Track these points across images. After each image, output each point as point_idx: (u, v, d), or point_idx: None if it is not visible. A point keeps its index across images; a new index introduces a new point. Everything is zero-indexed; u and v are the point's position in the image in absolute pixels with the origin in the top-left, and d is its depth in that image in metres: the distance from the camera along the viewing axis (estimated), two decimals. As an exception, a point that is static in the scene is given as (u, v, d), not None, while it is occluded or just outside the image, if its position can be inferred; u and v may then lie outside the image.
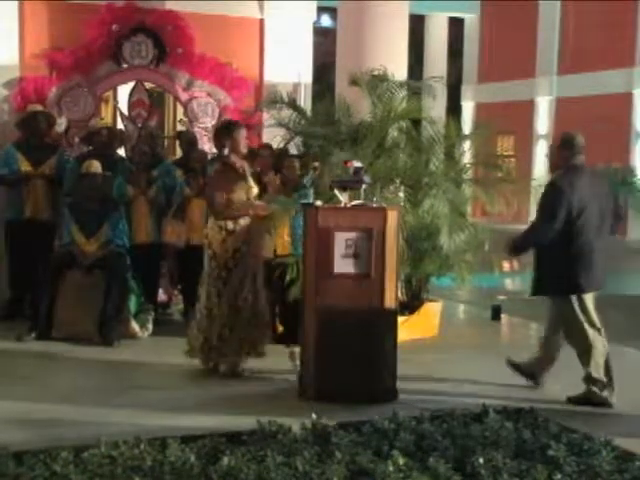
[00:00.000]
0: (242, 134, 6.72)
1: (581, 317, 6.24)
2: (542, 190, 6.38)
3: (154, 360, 6.98)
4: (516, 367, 6.63)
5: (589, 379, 6.22)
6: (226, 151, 6.65)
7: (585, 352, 6.24)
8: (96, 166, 7.96)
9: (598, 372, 6.21)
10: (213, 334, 6.61)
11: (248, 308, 6.65)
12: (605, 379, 6.24)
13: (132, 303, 7.96)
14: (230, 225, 6.59)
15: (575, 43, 22.02)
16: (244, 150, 6.76)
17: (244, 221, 6.67)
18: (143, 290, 8.17)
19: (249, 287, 6.66)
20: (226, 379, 6.56)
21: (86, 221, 7.91)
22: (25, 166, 8.53)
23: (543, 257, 6.31)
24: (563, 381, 6.79)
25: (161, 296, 8.87)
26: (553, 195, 6.17)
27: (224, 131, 6.77)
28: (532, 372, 6.59)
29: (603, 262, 6.39)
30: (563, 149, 6.35)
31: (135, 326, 7.90)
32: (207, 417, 5.53)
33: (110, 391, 6.23)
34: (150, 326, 8.00)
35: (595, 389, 6.20)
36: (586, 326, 6.24)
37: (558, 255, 6.17)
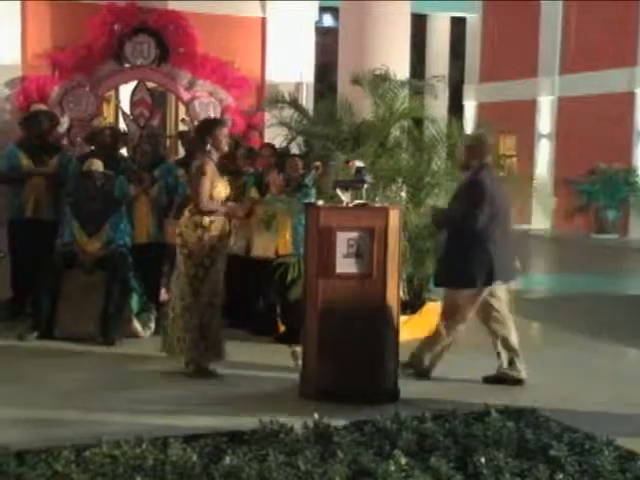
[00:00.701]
0: (223, 132, 6.72)
1: (469, 308, 6.56)
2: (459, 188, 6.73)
3: (156, 359, 6.97)
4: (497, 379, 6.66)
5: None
6: (208, 147, 6.65)
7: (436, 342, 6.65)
8: (98, 165, 7.97)
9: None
10: (188, 333, 6.60)
11: (220, 307, 6.68)
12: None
13: (134, 302, 7.97)
14: (206, 222, 6.57)
15: (577, 42, 21.99)
16: (225, 148, 6.76)
17: (219, 219, 6.65)
18: (145, 289, 8.17)
19: (222, 285, 6.68)
20: (227, 378, 6.56)
21: (88, 220, 7.91)
22: (27, 165, 8.54)
23: (453, 249, 6.54)
24: (563, 380, 6.80)
25: (163, 295, 8.87)
26: (478, 190, 6.38)
27: (205, 128, 6.77)
28: (502, 374, 6.71)
29: (512, 256, 6.75)
30: (475, 149, 6.62)
31: (137, 325, 7.91)
32: (209, 416, 5.53)
33: (112, 390, 6.23)
34: (152, 325, 8.01)
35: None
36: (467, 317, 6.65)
37: (468, 248, 6.41)
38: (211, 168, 6.60)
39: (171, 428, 5.15)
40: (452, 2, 24.27)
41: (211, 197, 6.60)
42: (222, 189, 6.71)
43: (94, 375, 6.66)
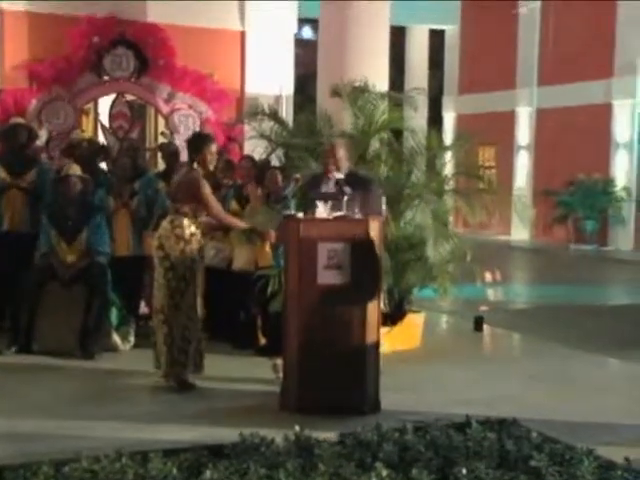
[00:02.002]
0: (211, 149, 6.73)
1: None
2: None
3: (136, 373, 6.94)
4: None
5: None
6: (194, 165, 6.69)
7: None
8: (75, 169, 7.90)
9: None
10: (166, 347, 6.58)
11: (199, 320, 6.68)
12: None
13: (113, 315, 7.92)
14: (187, 234, 6.55)
15: (555, 54, 22.15)
16: (211, 165, 6.76)
17: (198, 231, 6.66)
18: (125, 303, 8.13)
19: (201, 298, 6.69)
20: (208, 392, 6.53)
21: (65, 226, 7.80)
22: (4, 178, 8.48)
23: None
24: (544, 391, 6.82)
25: (143, 308, 8.83)
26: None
27: (192, 144, 6.82)
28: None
29: None
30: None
31: (117, 339, 7.86)
32: (189, 430, 5.50)
33: (91, 404, 6.19)
34: (132, 338, 7.97)
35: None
36: None
37: None
38: (205, 181, 6.63)
39: (151, 442, 5.11)
40: (430, 14, 24.39)
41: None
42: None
43: (73, 389, 6.62)
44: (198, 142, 6.82)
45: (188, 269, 6.56)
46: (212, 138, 7.02)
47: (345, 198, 6.25)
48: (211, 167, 6.79)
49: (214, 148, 6.78)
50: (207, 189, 6.62)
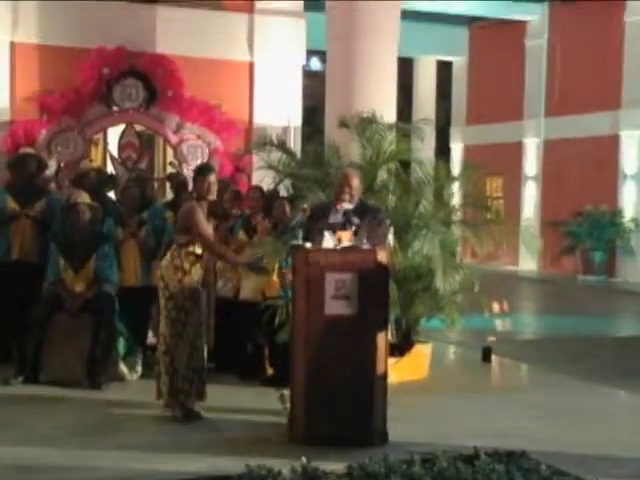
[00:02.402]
0: (208, 179, 6.77)
1: None
2: None
3: (143, 403, 6.92)
4: None
5: None
6: (194, 194, 6.80)
7: None
8: (84, 197, 7.92)
9: None
10: (168, 377, 6.59)
11: (203, 349, 6.69)
12: None
13: (120, 345, 7.91)
14: (186, 265, 6.58)
15: (562, 86, 22.22)
16: (210, 195, 6.80)
17: (201, 262, 6.69)
18: (132, 332, 8.12)
19: (206, 328, 6.72)
20: (214, 422, 6.50)
21: (73, 253, 7.79)
22: (13, 207, 8.51)
23: None
24: (553, 423, 6.78)
25: (150, 339, 8.82)
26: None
27: (193, 176, 6.94)
28: None
29: None
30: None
31: (124, 369, 7.85)
32: (195, 461, 5.47)
33: (98, 435, 6.17)
34: (139, 368, 7.95)
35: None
36: None
37: None
38: (199, 211, 6.64)
39: (158, 473, 5.09)
40: (438, 46, 24.53)
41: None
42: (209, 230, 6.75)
43: (80, 420, 6.59)
44: (197, 173, 6.90)
45: (188, 299, 6.57)
46: (211, 168, 7.07)
47: (352, 229, 6.26)
48: (211, 197, 6.82)
49: (213, 178, 6.82)
50: (199, 219, 6.62)
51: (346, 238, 6.14)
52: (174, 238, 6.86)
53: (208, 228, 6.75)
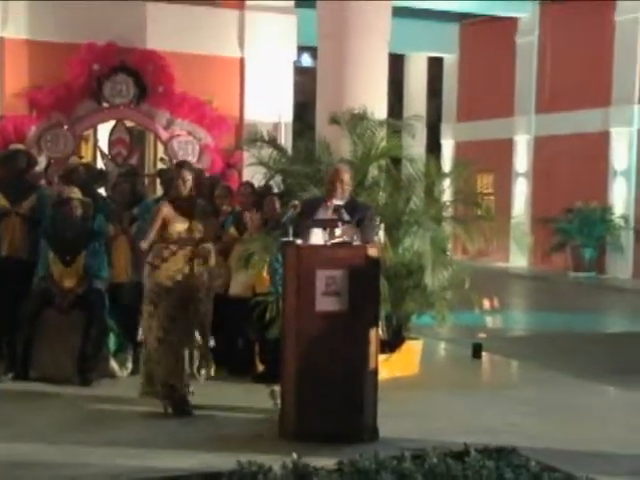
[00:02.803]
0: (180, 174, 6.86)
1: None
2: None
3: (133, 399, 6.91)
4: None
5: None
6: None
7: None
8: (76, 193, 7.90)
9: None
10: (151, 367, 6.69)
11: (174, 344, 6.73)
12: None
13: (111, 342, 7.90)
14: (157, 261, 6.72)
15: (552, 83, 22.26)
16: (180, 190, 6.83)
17: (174, 258, 6.72)
18: (122, 329, 8.11)
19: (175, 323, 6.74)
20: (205, 419, 6.50)
21: (64, 248, 7.77)
22: (3, 204, 8.48)
23: None
24: (543, 419, 6.79)
25: (140, 335, 8.80)
26: None
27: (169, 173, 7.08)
28: None
29: None
30: None
31: (114, 365, 7.84)
32: (186, 457, 5.47)
33: (89, 431, 6.15)
34: (130, 365, 7.94)
35: None
36: None
37: None
38: (164, 210, 6.76)
39: (148, 470, 5.09)
40: (429, 42, 24.55)
41: (165, 235, 6.71)
42: (179, 227, 6.78)
43: (70, 416, 6.58)
44: (175, 168, 7.02)
45: (155, 293, 6.69)
46: (184, 164, 7.13)
47: (341, 225, 6.25)
48: (185, 192, 6.84)
49: (186, 174, 6.85)
50: (154, 218, 6.77)
51: (339, 233, 6.14)
52: None
53: (173, 226, 6.74)
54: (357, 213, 6.54)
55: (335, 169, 6.92)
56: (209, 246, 6.87)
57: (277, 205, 8.07)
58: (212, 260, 6.94)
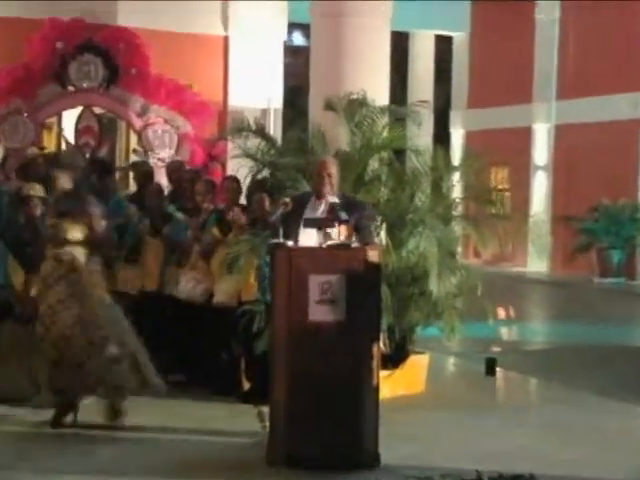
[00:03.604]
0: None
1: None
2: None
3: (102, 420, 6.91)
4: None
5: None
6: None
7: None
8: (37, 190, 7.90)
9: None
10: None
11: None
12: None
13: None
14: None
15: (576, 65, 22.31)
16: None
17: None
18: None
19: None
20: (183, 443, 6.51)
21: (24, 252, 7.78)
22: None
23: None
24: (565, 443, 6.82)
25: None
26: None
27: None
28: None
29: None
30: None
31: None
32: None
33: (52, 457, 6.16)
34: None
35: None
36: None
37: None
38: None
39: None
40: (437, 18, 24.55)
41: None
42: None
43: (29, 441, 6.58)
44: None
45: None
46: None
47: (338, 225, 6.26)
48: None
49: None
50: None
51: (343, 233, 6.14)
52: None
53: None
54: (354, 213, 6.56)
55: (322, 161, 6.95)
56: None
57: (266, 202, 8.08)
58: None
